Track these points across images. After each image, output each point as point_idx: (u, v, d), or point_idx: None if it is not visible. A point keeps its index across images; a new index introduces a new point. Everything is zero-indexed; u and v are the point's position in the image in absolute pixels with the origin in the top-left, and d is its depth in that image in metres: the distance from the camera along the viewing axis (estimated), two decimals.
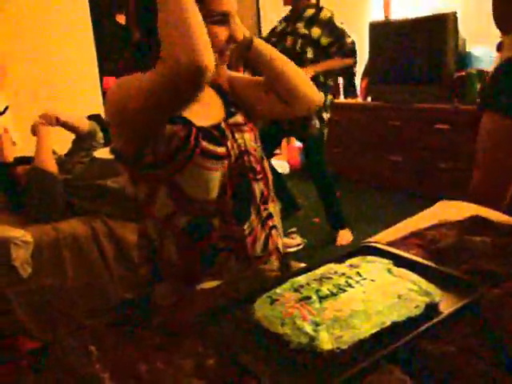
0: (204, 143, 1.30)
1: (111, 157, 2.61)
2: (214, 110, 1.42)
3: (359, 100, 4.60)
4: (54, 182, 2.53)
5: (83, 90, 5.20)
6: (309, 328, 0.94)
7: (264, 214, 1.42)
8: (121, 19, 5.98)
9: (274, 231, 1.46)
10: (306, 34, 3.46)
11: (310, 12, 3.53)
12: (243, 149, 1.39)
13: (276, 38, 3.61)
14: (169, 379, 0.91)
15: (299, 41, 3.47)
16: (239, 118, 1.44)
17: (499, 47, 2.07)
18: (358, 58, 3.65)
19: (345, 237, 3.66)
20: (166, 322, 1.06)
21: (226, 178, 1.33)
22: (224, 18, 1.26)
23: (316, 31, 3.46)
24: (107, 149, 2.78)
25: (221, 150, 1.33)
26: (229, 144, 1.35)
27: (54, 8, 4.87)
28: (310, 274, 1.15)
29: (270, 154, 3.67)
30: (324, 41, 3.46)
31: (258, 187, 1.42)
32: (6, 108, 3.53)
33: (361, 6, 4.86)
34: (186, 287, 1.35)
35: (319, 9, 3.58)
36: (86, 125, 2.85)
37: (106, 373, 1.00)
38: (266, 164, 1.49)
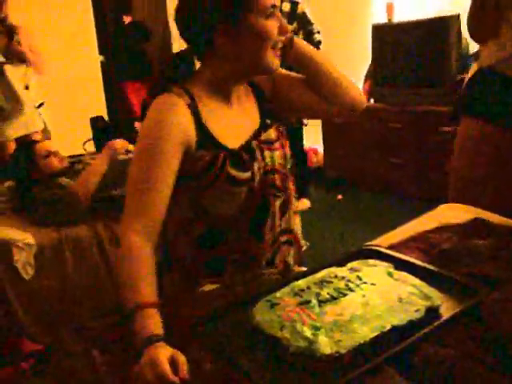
0: (230, 169, 1.29)
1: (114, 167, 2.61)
2: (248, 120, 1.40)
3: None
4: (81, 212, 2.52)
5: (87, 94, 5.24)
6: (308, 332, 0.94)
7: (278, 229, 1.41)
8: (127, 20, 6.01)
9: (285, 247, 1.45)
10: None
11: (287, 7, 3.67)
12: (270, 168, 1.38)
13: None
14: None
15: None
16: (272, 134, 1.41)
17: (476, 56, 2.09)
18: None
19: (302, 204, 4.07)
20: (166, 326, 1.06)
21: (247, 199, 1.33)
22: (274, 11, 1.26)
23: (294, 26, 3.67)
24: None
25: (246, 175, 1.31)
26: (255, 165, 1.33)
27: (57, 12, 4.90)
28: (310, 277, 1.14)
29: None
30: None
31: (278, 204, 1.40)
32: (42, 103, 3.57)
33: (364, 8, 4.86)
34: (189, 282, 1.36)
35: (295, 3, 3.74)
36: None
37: (110, 377, 1.00)
38: (290, 180, 1.47)
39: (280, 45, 1.31)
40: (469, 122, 2.04)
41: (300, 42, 1.40)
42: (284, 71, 1.45)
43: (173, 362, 0.92)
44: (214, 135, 1.30)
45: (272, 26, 1.26)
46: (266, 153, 1.37)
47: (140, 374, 0.92)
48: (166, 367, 0.90)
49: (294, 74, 1.46)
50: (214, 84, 1.33)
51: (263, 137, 1.39)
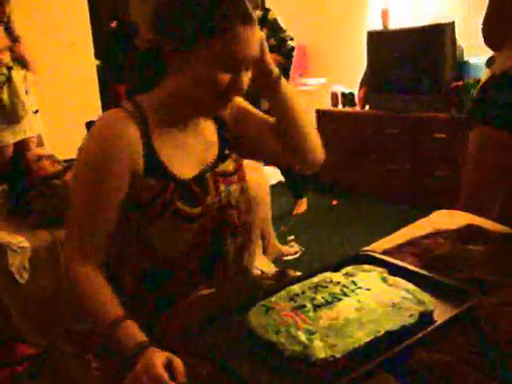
0: (178, 203, 1.18)
1: None
2: (205, 149, 1.28)
3: (357, 108, 4.62)
4: None
5: (83, 97, 5.23)
6: (303, 336, 0.94)
7: (231, 271, 1.31)
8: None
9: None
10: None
11: (259, 14, 3.67)
12: (224, 203, 1.26)
13: None
14: None
15: None
16: (229, 166, 1.30)
17: (489, 63, 2.07)
18: (293, 63, 3.84)
19: (302, 206, 4.21)
20: (160, 332, 1.06)
21: (197, 236, 1.22)
22: (236, 66, 1.12)
23: (265, 33, 3.66)
24: None
25: (196, 210, 1.20)
26: (209, 199, 1.23)
27: (54, 17, 4.91)
28: (305, 282, 1.15)
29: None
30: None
31: (233, 242, 1.30)
32: (37, 111, 3.59)
33: (359, 15, 4.88)
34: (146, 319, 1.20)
35: (266, 10, 3.76)
36: None
37: (104, 381, 1.00)
38: (250, 216, 1.37)
39: (231, 97, 1.18)
40: (481, 128, 2.02)
41: (286, 85, 1.27)
42: (250, 106, 1.36)
43: (168, 366, 0.92)
44: (164, 163, 1.19)
45: (224, 78, 1.11)
46: (222, 186, 1.26)
47: (136, 380, 0.91)
48: (162, 371, 0.90)
49: (259, 112, 1.35)
50: (169, 104, 1.20)
51: (220, 168, 1.28)
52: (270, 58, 1.22)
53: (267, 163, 1.39)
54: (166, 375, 0.90)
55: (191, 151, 1.25)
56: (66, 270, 1.14)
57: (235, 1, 1.09)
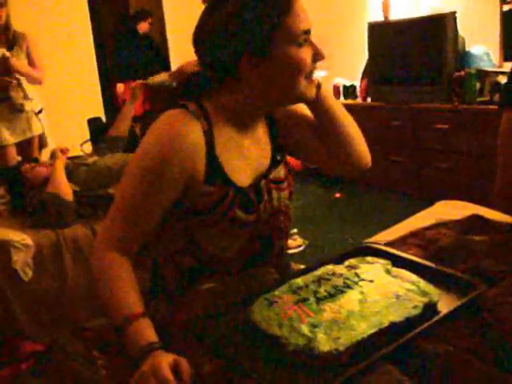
0: (236, 210, 1.18)
1: (111, 164, 2.69)
2: (260, 155, 1.26)
3: (359, 100, 4.60)
4: (68, 207, 2.56)
5: (85, 95, 5.25)
6: (306, 330, 0.94)
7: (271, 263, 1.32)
8: (142, 28, 6.03)
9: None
10: None
11: None
12: (276, 210, 1.27)
13: None
14: None
15: None
16: (281, 172, 1.29)
17: None
18: None
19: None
20: (164, 325, 1.06)
21: (248, 241, 1.23)
22: (307, 37, 1.12)
23: None
24: (109, 155, 2.88)
25: (251, 217, 1.20)
26: (261, 206, 1.23)
27: (54, 15, 4.92)
28: (308, 275, 1.14)
29: None
30: None
31: (278, 245, 1.31)
32: (41, 110, 3.60)
33: (360, 6, 4.86)
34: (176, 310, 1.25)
35: None
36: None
37: (110, 379, 1.00)
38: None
39: (315, 70, 1.17)
40: (510, 112, 1.95)
41: (328, 93, 1.25)
42: (299, 106, 1.30)
43: (175, 369, 0.91)
44: (225, 170, 1.17)
45: (305, 54, 1.12)
46: (274, 193, 1.27)
47: (142, 381, 0.90)
48: (169, 374, 0.89)
49: (307, 113, 1.29)
50: (232, 110, 1.19)
51: (272, 175, 1.27)
52: None
53: (312, 164, 1.36)
54: (172, 378, 0.88)
55: (248, 156, 1.23)
56: (96, 251, 1.13)
57: None
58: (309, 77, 1.15)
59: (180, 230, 1.21)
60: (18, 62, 3.31)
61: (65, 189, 2.59)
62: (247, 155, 1.23)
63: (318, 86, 1.20)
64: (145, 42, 6.13)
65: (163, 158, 1.10)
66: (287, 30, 1.09)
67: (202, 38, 1.15)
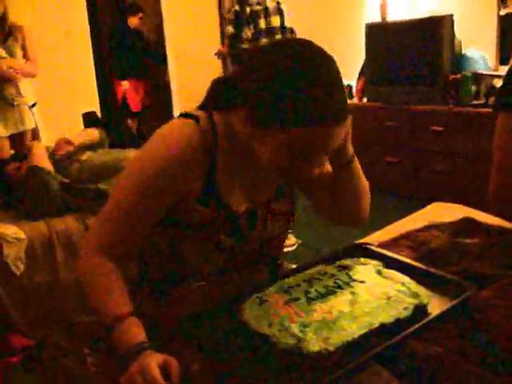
0: (222, 236, 1.16)
1: (104, 160, 2.70)
2: (264, 183, 1.22)
3: (355, 101, 4.60)
4: (50, 176, 2.60)
5: (80, 89, 5.23)
6: (296, 329, 0.94)
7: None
8: (132, 22, 6.01)
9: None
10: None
11: (272, 4, 4.06)
12: (267, 238, 1.25)
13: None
14: None
15: None
16: (283, 205, 1.26)
17: None
18: None
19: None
20: (154, 324, 1.05)
21: (233, 262, 1.22)
22: (311, 157, 1.05)
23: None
24: (102, 150, 2.90)
25: (238, 244, 1.19)
26: (254, 234, 1.21)
27: (51, 9, 4.89)
28: (299, 275, 1.15)
29: None
30: None
31: (269, 259, 1.31)
32: (35, 104, 3.59)
33: (357, 7, 4.85)
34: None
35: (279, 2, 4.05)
36: (95, 135, 3.04)
37: (100, 376, 1.00)
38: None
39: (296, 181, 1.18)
40: (505, 115, 1.95)
41: (356, 164, 1.22)
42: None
43: (164, 369, 0.91)
44: (222, 193, 1.14)
45: (296, 165, 1.04)
46: (270, 224, 1.23)
47: (130, 381, 0.90)
48: (157, 375, 0.88)
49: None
50: (238, 133, 1.12)
51: (273, 206, 1.23)
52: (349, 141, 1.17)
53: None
54: (160, 378, 0.88)
55: (250, 183, 1.19)
56: (83, 254, 1.11)
57: (332, 98, 0.99)
58: (287, 176, 1.14)
59: (165, 238, 1.20)
60: (12, 61, 3.31)
61: (45, 163, 2.68)
62: (249, 182, 1.19)
63: (351, 160, 1.19)
64: (134, 37, 6.11)
65: (162, 171, 1.08)
66: (299, 139, 0.99)
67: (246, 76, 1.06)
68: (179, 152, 1.08)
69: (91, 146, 2.96)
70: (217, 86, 1.18)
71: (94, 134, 3.06)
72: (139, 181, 1.09)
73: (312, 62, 1.00)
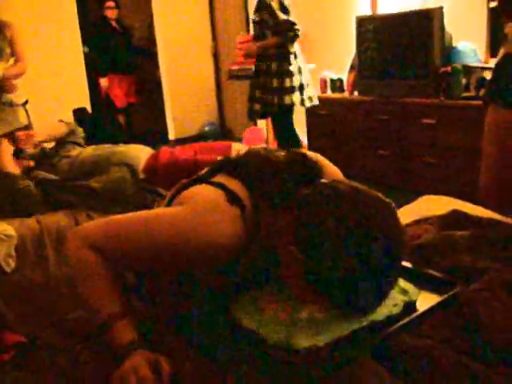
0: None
1: (93, 156, 2.70)
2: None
3: (346, 94, 4.60)
4: (13, 179, 2.60)
5: (71, 86, 5.21)
6: (286, 326, 0.94)
7: None
8: (109, 13, 5.92)
9: None
10: None
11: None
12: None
13: None
14: None
15: None
16: None
17: (504, 41, 1.98)
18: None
19: None
20: (146, 322, 1.05)
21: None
22: None
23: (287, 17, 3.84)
24: (93, 146, 2.89)
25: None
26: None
27: (42, 9, 4.87)
28: None
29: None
30: None
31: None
32: (27, 101, 3.57)
33: (348, 0, 4.85)
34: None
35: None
36: (62, 129, 3.03)
37: (92, 373, 0.99)
38: None
39: None
40: (494, 108, 1.96)
41: None
42: None
43: (156, 368, 0.91)
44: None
45: None
46: None
47: (122, 379, 0.90)
48: (148, 373, 0.89)
49: None
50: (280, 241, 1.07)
51: None
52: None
53: None
54: (151, 376, 0.89)
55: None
56: (77, 249, 1.05)
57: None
58: None
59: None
60: (4, 69, 3.30)
61: (9, 167, 2.74)
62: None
63: None
64: (115, 32, 6.02)
65: (204, 251, 1.05)
66: None
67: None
68: (225, 241, 1.04)
69: (61, 140, 2.99)
70: (265, 170, 1.15)
71: (61, 128, 3.05)
72: (178, 229, 1.05)
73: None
